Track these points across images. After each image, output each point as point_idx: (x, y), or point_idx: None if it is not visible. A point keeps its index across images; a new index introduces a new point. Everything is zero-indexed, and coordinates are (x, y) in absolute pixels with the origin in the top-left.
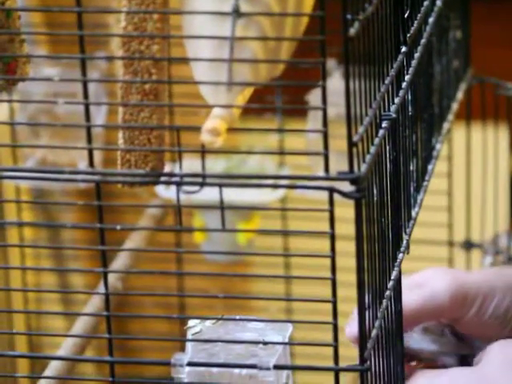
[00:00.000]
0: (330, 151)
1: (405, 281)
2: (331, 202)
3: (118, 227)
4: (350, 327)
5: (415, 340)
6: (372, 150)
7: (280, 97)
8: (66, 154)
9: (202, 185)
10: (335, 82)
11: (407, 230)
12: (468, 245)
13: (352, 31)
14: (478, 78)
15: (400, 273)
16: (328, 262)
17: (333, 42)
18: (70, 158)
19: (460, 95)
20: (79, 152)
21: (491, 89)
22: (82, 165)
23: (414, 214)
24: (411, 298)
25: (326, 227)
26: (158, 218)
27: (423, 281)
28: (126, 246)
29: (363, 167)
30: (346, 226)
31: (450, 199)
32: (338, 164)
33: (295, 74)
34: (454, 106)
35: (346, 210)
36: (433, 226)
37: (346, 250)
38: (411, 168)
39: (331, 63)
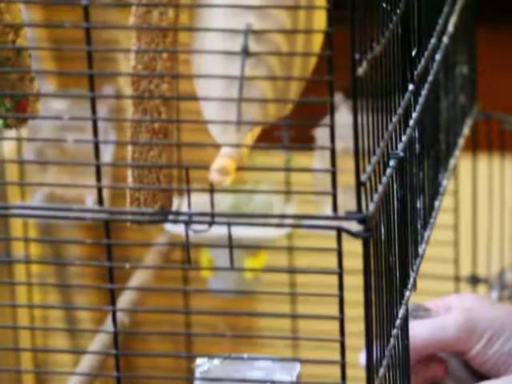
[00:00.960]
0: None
1: (432, 302)
2: (339, 241)
3: (127, 265)
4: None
5: (455, 368)
6: (380, 188)
7: (287, 132)
8: (74, 187)
9: (210, 224)
10: (342, 116)
11: (414, 268)
12: (474, 279)
13: (360, 71)
14: (484, 114)
15: (407, 310)
16: (335, 297)
17: (340, 77)
18: (78, 191)
19: (466, 131)
20: None
21: (497, 122)
22: (90, 199)
23: (421, 250)
24: (419, 329)
25: (333, 261)
26: (165, 252)
27: (448, 304)
28: (134, 280)
29: (371, 206)
30: (353, 260)
31: (456, 234)
32: (345, 198)
33: (303, 107)
34: (461, 142)
35: (352, 244)
36: (439, 260)
37: (353, 284)
38: (418, 205)
39: (338, 97)
